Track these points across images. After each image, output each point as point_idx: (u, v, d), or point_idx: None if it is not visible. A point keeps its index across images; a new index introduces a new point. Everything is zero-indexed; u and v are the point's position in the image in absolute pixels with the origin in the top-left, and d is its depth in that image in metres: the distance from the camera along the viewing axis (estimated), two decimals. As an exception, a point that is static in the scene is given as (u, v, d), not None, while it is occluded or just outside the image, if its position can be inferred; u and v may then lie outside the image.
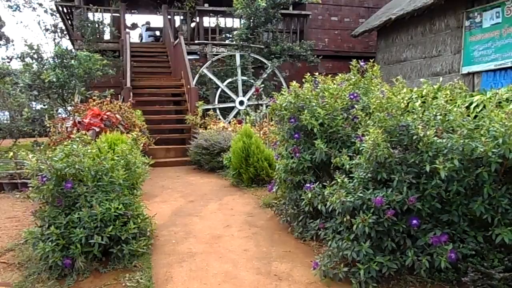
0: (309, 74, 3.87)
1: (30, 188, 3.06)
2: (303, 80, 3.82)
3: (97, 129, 5.44)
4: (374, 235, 2.62)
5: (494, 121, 2.58)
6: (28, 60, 8.30)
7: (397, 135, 2.80)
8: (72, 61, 8.05)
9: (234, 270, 3.00)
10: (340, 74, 3.91)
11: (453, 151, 2.54)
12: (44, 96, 8.30)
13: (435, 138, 2.62)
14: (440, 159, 2.49)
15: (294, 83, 3.69)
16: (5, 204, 5.02)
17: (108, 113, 6.04)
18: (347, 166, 2.94)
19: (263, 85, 9.65)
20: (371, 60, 3.98)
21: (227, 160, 6.19)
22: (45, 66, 8.13)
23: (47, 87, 7.92)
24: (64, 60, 8.04)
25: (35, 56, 8.25)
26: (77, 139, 3.46)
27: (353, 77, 3.86)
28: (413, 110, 2.91)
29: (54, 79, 7.66)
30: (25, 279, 2.87)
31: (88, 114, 5.87)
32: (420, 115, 2.84)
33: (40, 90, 8.15)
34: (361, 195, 2.68)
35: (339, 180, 2.83)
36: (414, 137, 2.68)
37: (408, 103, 2.98)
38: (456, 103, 3.12)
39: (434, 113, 2.89)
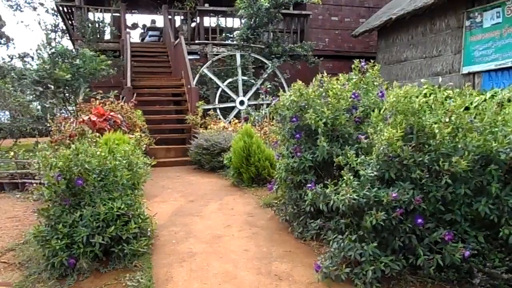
0: (319, 75, 3.86)
1: (35, 185, 3.06)
2: (306, 80, 3.83)
3: (105, 129, 5.47)
4: (383, 234, 2.62)
5: (506, 120, 2.59)
6: (41, 56, 8.27)
7: (407, 134, 2.77)
8: (77, 60, 8.03)
9: (234, 270, 3.00)
10: (341, 75, 3.91)
11: (468, 150, 2.54)
12: (50, 94, 8.28)
13: (447, 136, 2.61)
14: (456, 157, 2.48)
15: (299, 82, 3.69)
16: (6, 204, 5.02)
17: (112, 114, 6.06)
18: (354, 164, 2.91)
19: (269, 86, 9.64)
20: (372, 61, 4.00)
21: (228, 160, 6.19)
22: (56, 65, 8.09)
23: (57, 85, 7.90)
24: (66, 60, 8.04)
25: (49, 52, 8.21)
26: (89, 138, 3.47)
27: (354, 77, 3.86)
28: (424, 109, 2.88)
29: (69, 78, 7.66)
30: (26, 279, 2.87)
31: (94, 112, 5.89)
32: (430, 115, 2.81)
33: (45, 87, 8.14)
34: (367, 193, 2.67)
35: (345, 177, 2.81)
36: (424, 136, 2.67)
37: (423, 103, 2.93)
38: (458, 103, 3.09)
39: (443, 113, 2.86)
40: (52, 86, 8.12)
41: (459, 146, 2.61)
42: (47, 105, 8.40)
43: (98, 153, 3.25)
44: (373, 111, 3.11)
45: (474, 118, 2.80)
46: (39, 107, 8.78)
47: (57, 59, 8.02)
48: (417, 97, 2.87)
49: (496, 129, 2.68)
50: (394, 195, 2.56)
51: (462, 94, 3.15)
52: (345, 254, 2.72)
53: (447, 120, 2.75)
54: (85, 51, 8.28)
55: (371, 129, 2.97)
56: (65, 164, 2.96)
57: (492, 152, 2.50)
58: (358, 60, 3.97)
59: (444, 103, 3.01)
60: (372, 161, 2.81)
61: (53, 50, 8.09)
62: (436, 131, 2.59)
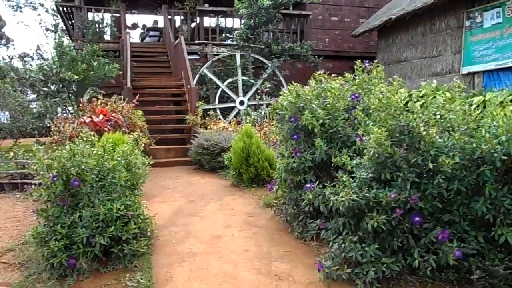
0: (317, 74, 3.85)
1: (33, 186, 3.06)
2: (306, 79, 3.83)
3: (105, 129, 5.47)
4: (382, 235, 2.62)
5: (496, 120, 2.59)
6: (42, 57, 8.29)
7: (397, 134, 2.79)
8: (95, 63, 8.03)
9: (234, 270, 3.00)
10: (347, 74, 3.88)
11: (455, 149, 2.54)
12: (54, 93, 8.28)
13: (437, 137, 2.62)
14: (443, 157, 2.49)
15: (295, 84, 3.69)
16: (6, 204, 5.02)
17: (114, 115, 6.08)
18: (349, 166, 2.93)
19: (269, 86, 9.66)
20: (376, 61, 3.97)
21: (228, 160, 6.19)
22: (63, 65, 8.08)
23: (63, 84, 7.91)
24: (74, 61, 8.04)
25: (60, 52, 8.21)
26: (84, 138, 3.47)
27: (357, 77, 3.85)
28: (413, 110, 2.90)
29: (76, 78, 7.66)
30: (26, 279, 2.87)
31: (98, 113, 5.91)
32: (420, 115, 2.83)
33: (49, 87, 8.14)
34: (366, 194, 2.67)
35: (344, 179, 2.81)
36: (416, 136, 2.67)
37: (407, 102, 2.96)
38: (454, 102, 3.10)
39: (433, 112, 2.88)
40: (53, 86, 8.12)
41: (449, 145, 2.61)
42: (48, 105, 8.39)
43: (94, 152, 3.25)
44: (372, 111, 3.10)
45: (464, 118, 2.81)
46: (39, 106, 8.78)
47: (64, 59, 8.01)
48: (409, 97, 2.88)
49: (485, 128, 2.67)
50: (393, 195, 2.56)
51: (450, 90, 3.14)
52: (345, 254, 2.72)
53: (438, 117, 2.76)
54: (100, 58, 8.31)
55: (362, 129, 2.97)
56: (60, 165, 2.95)
57: (486, 152, 2.49)
58: (360, 60, 3.94)
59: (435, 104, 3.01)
60: (366, 162, 2.81)
61: (62, 50, 8.09)
62: (424, 133, 2.59)
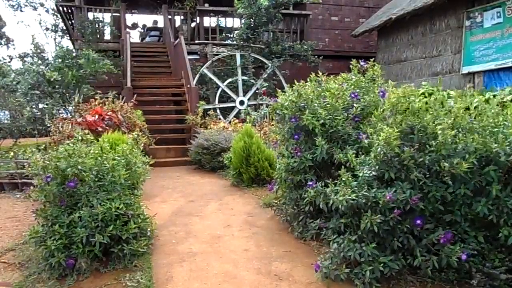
0: (314, 75, 3.86)
1: (31, 188, 3.06)
2: (306, 79, 3.82)
3: (100, 129, 5.45)
4: (381, 234, 2.61)
5: (509, 120, 2.59)
6: (30, 59, 8.29)
7: (407, 134, 2.75)
8: (82, 60, 8.02)
9: (234, 270, 3.00)
10: (343, 74, 3.88)
11: (469, 151, 2.53)
12: (46, 95, 8.28)
13: (449, 138, 2.60)
14: (457, 159, 2.47)
15: (298, 83, 3.69)
16: (6, 204, 5.02)
17: (110, 113, 6.05)
18: (354, 163, 2.90)
19: (267, 85, 9.66)
20: (371, 60, 3.97)
21: (228, 160, 6.19)
22: (49, 65, 8.09)
23: (52, 86, 7.91)
24: (66, 60, 8.03)
25: (41, 55, 8.22)
26: (79, 137, 3.46)
27: (353, 77, 3.84)
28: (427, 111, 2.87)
29: (59, 78, 7.65)
30: (26, 279, 2.87)
31: (91, 113, 5.89)
32: (428, 115, 2.79)
33: (42, 89, 8.14)
34: (366, 193, 2.66)
35: (344, 177, 2.80)
36: (423, 137, 2.66)
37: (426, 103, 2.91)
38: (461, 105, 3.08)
39: (443, 113, 2.86)
40: (50, 88, 8.11)
41: (460, 147, 2.60)
42: (42, 107, 8.37)
43: (91, 151, 3.24)
44: (374, 110, 3.09)
45: (474, 118, 2.80)
46: (35, 110, 8.76)
47: (56, 60, 8.01)
48: (417, 97, 2.87)
49: (496, 129, 2.68)
50: (389, 196, 2.55)
51: (464, 95, 3.14)
52: (344, 254, 2.72)
53: (449, 121, 2.74)
54: (89, 52, 8.29)
55: (371, 129, 2.96)
56: (54, 167, 2.94)
57: (492, 153, 2.49)
58: (356, 60, 3.94)
59: (444, 103, 2.99)
60: (371, 161, 2.80)
61: (43, 53, 8.10)
62: (439, 132, 2.57)
